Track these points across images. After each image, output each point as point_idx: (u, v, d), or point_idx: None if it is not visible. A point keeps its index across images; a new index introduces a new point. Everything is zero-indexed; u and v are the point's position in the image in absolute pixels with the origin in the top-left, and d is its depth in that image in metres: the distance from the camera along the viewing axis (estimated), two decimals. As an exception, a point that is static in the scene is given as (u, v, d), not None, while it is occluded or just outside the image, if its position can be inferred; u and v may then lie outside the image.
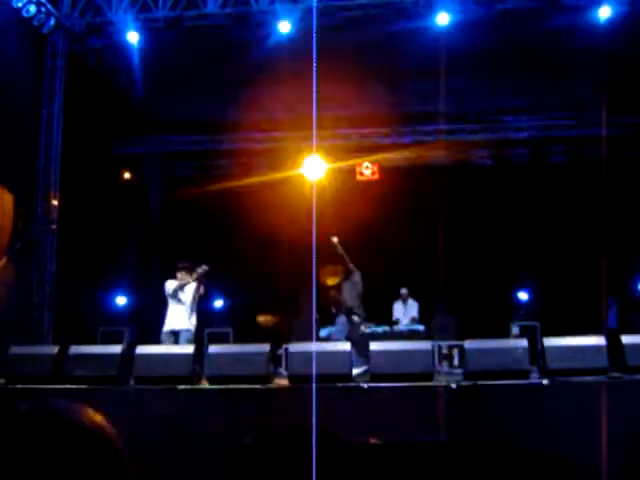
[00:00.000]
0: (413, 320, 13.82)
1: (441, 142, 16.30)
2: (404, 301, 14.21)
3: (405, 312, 14.10)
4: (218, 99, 15.75)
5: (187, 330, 10.24)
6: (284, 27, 12.74)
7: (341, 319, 11.69)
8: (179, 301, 10.32)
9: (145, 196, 17.24)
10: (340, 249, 11.39)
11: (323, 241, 13.57)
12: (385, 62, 14.11)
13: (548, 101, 15.49)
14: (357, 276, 11.58)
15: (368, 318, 12.83)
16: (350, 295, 11.53)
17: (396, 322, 13.79)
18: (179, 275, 10.46)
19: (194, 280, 10.35)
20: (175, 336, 10.20)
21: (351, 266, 11.58)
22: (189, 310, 10.35)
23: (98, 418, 1.46)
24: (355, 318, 11.40)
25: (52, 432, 1.45)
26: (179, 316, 10.28)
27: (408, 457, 6.42)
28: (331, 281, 12.40)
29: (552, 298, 15.08)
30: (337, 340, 11.17)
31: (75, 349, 8.25)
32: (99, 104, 14.22)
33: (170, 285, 10.34)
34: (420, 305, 14.18)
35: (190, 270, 10.47)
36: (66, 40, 13.16)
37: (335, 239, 11.38)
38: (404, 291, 14.22)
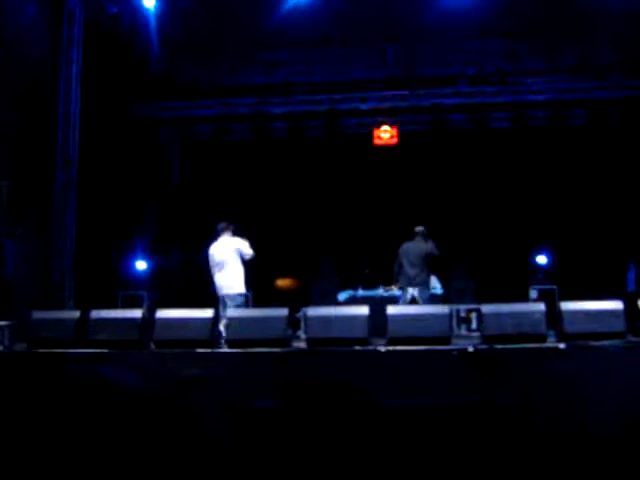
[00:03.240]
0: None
1: (460, 105, 16.19)
2: None
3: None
4: (235, 62, 15.73)
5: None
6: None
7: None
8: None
9: (164, 161, 17.26)
10: None
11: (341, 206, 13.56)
12: (403, 25, 14.05)
13: (567, 62, 15.33)
14: None
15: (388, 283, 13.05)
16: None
17: None
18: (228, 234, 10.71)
19: None
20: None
21: None
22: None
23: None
24: None
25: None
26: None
27: (425, 419, 6.49)
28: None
29: (571, 262, 15.03)
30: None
31: (96, 313, 8.33)
32: (117, 70, 14.22)
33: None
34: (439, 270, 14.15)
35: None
36: (82, 6, 13.12)
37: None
38: None
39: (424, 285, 11.84)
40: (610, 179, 15.25)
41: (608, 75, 15.11)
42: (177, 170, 17.42)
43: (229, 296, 10.39)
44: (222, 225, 10.78)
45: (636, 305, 7.47)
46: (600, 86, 15.31)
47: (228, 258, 10.54)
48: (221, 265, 10.58)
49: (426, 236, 12.10)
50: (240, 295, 10.51)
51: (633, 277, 14.79)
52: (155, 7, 13.13)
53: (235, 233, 10.75)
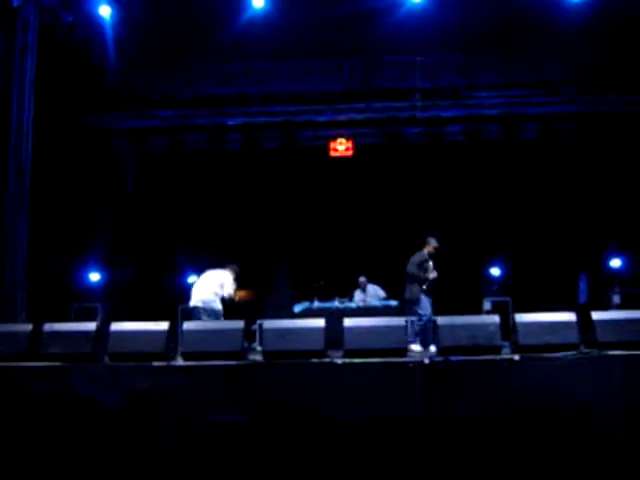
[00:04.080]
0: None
1: (414, 118, 16.30)
2: (363, 289, 14.18)
3: (365, 300, 14.02)
4: (191, 73, 15.68)
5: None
6: (258, 1, 12.71)
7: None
8: None
9: (119, 171, 17.11)
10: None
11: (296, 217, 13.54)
12: (360, 38, 14.14)
13: (520, 77, 15.56)
14: None
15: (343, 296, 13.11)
16: None
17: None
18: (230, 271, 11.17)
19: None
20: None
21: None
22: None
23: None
24: None
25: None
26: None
27: (382, 431, 6.51)
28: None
29: (524, 274, 15.21)
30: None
31: (49, 326, 8.22)
32: (72, 80, 14.06)
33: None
34: (384, 285, 14.15)
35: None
36: (37, 14, 12.94)
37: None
38: (362, 279, 14.18)
39: (408, 299, 11.85)
40: (562, 192, 15.48)
41: (560, 90, 15.37)
42: (132, 181, 17.26)
43: (205, 310, 10.77)
44: (231, 265, 11.33)
45: (589, 317, 7.59)
46: (552, 101, 15.56)
47: (212, 282, 11.04)
48: (203, 281, 11.10)
49: (435, 249, 12.20)
50: (214, 310, 10.83)
51: (584, 287, 15.06)
52: (111, 17, 13.02)
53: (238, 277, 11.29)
